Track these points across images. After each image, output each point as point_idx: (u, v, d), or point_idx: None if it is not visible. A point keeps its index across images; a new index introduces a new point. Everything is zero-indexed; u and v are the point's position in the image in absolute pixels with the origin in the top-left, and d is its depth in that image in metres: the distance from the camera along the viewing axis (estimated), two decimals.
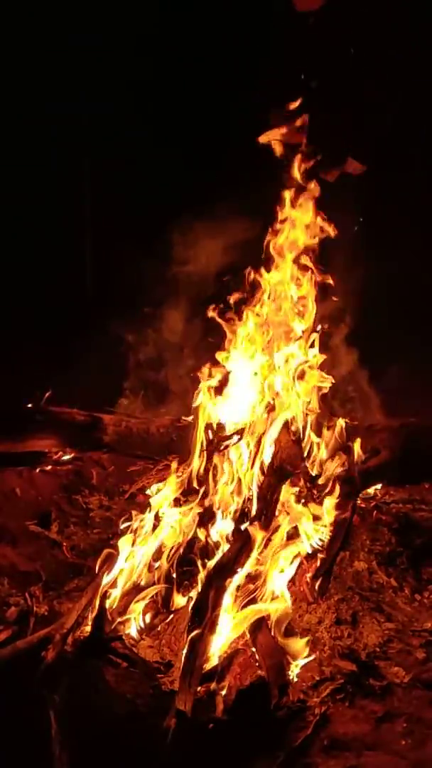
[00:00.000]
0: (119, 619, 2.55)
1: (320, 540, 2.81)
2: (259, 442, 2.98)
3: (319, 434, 3.27)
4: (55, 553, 3.33)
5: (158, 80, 7.00)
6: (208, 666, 2.25)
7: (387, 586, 2.84)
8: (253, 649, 2.38)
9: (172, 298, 5.33)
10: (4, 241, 6.92)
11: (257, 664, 2.33)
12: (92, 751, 2.00)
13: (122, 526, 2.97)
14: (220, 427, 3.16)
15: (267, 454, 2.97)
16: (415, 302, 6.09)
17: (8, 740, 2.04)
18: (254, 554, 2.60)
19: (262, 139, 3.45)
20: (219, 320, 3.41)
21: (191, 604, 2.42)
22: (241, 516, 2.79)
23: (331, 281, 3.41)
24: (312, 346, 3.36)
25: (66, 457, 4.23)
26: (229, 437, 3.13)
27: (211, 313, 3.42)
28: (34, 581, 3.02)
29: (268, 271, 3.45)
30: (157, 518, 2.87)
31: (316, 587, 2.66)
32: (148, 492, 3.50)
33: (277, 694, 2.13)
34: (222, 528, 2.79)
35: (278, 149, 3.43)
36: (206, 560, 2.65)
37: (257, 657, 2.35)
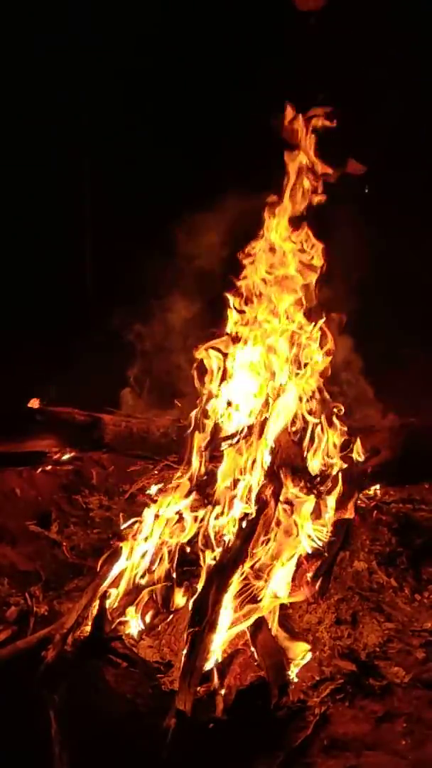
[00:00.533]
0: (119, 619, 2.55)
1: (320, 540, 2.81)
2: (259, 442, 2.99)
3: (319, 434, 3.27)
4: (55, 553, 3.32)
5: (157, 79, 7.00)
6: (208, 666, 2.25)
7: (387, 586, 2.84)
8: (253, 649, 2.38)
9: (173, 294, 5.32)
10: (4, 240, 6.92)
11: (257, 664, 2.34)
12: (92, 751, 2.00)
13: (122, 527, 2.97)
14: (220, 427, 3.16)
15: (267, 454, 2.97)
16: (416, 302, 6.10)
17: (8, 740, 2.04)
18: (254, 554, 2.60)
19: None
20: (230, 297, 3.40)
21: (191, 603, 2.42)
22: (241, 516, 2.79)
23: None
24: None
25: (66, 457, 4.23)
26: (230, 437, 3.14)
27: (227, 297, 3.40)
28: (34, 581, 3.02)
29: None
30: (157, 518, 2.87)
31: (316, 587, 2.66)
32: (148, 492, 3.50)
33: (277, 694, 2.13)
34: (222, 528, 2.79)
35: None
36: (206, 560, 2.65)
37: (257, 657, 2.35)
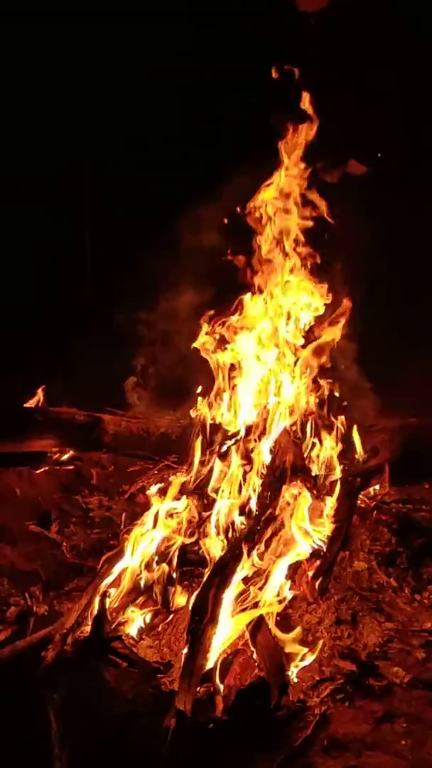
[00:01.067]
0: (119, 619, 2.55)
1: (320, 540, 2.81)
2: (259, 442, 2.99)
3: (319, 434, 3.28)
4: (55, 553, 3.33)
5: (156, 80, 7.00)
6: (208, 666, 2.24)
7: (387, 586, 2.84)
8: (253, 649, 2.38)
9: (175, 286, 5.30)
10: (4, 240, 6.93)
11: (257, 664, 2.33)
12: (92, 751, 2.00)
13: (122, 527, 2.97)
14: (220, 427, 3.16)
15: (267, 454, 2.97)
16: (416, 301, 6.10)
17: (8, 740, 2.04)
18: (255, 554, 2.60)
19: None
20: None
21: (191, 603, 2.42)
22: (242, 516, 2.79)
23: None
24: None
25: (66, 457, 4.23)
26: (230, 437, 3.14)
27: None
28: (34, 581, 3.02)
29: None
30: (157, 518, 2.87)
31: (316, 587, 2.66)
32: (148, 492, 3.50)
33: (277, 694, 2.13)
34: (222, 528, 2.79)
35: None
36: (206, 560, 2.65)
37: (257, 657, 2.35)
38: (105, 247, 7.32)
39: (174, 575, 2.70)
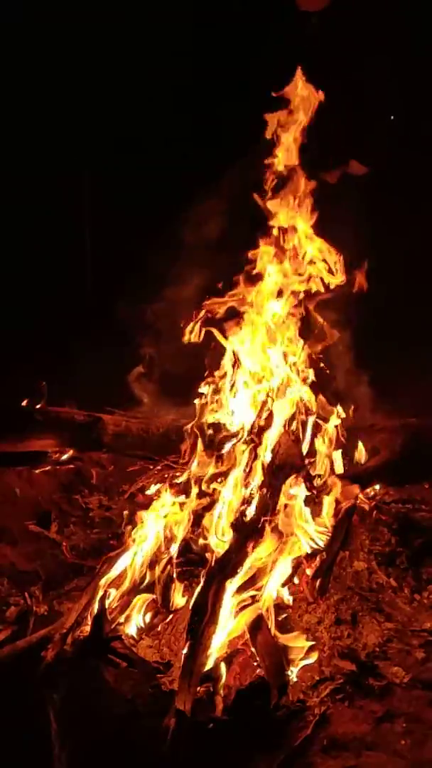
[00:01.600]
0: (119, 619, 2.55)
1: (320, 540, 2.81)
2: (259, 442, 2.99)
3: (319, 434, 3.28)
4: (55, 553, 3.33)
5: (156, 80, 7.00)
6: (208, 666, 2.25)
7: (387, 586, 2.84)
8: (253, 649, 2.38)
9: (174, 289, 5.29)
10: (4, 240, 6.93)
11: (257, 664, 2.34)
12: (92, 751, 2.00)
13: (122, 527, 2.97)
14: (220, 426, 3.16)
15: (267, 454, 2.97)
16: (416, 301, 6.10)
17: (8, 740, 2.04)
18: (254, 554, 2.60)
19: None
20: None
21: (191, 603, 2.42)
22: (242, 515, 2.79)
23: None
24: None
25: (66, 457, 4.23)
26: (230, 437, 3.14)
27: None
28: (34, 581, 3.02)
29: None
30: (157, 518, 2.87)
31: (316, 587, 2.66)
32: (148, 492, 3.50)
33: (277, 694, 2.13)
34: (222, 528, 2.79)
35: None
36: (206, 560, 2.65)
37: (257, 657, 2.35)
38: (105, 246, 7.32)
39: (174, 575, 2.70)
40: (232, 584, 2.48)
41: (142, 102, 7.00)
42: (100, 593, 2.53)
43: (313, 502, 2.94)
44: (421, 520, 3.38)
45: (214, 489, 2.93)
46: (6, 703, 2.16)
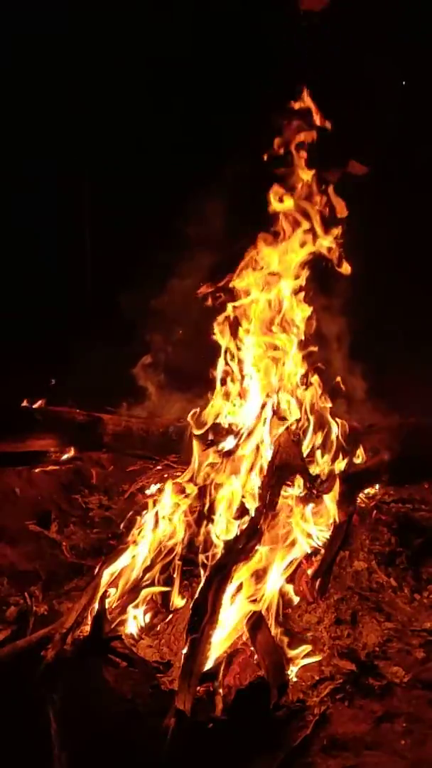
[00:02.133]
0: (119, 619, 2.55)
1: (320, 540, 2.81)
2: (259, 442, 2.99)
3: (319, 433, 3.28)
4: (54, 553, 3.33)
5: (156, 79, 7.00)
6: (207, 666, 2.25)
7: (387, 586, 2.84)
8: (253, 649, 2.38)
9: (174, 288, 5.29)
10: (4, 240, 6.93)
11: (257, 663, 2.34)
12: (92, 751, 2.00)
13: (122, 527, 2.97)
14: (220, 426, 3.16)
15: (267, 454, 2.97)
16: (416, 301, 6.09)
17: (8, 740, 2.04)
18: (254, 554, 2.60)
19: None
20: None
21: (191, 603, 2.42)
22: (241, 515, 2.79)
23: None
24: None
25: (66, 457, 4.22)
26: (230, 437, 3.14)
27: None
28: (33, 581, 3.02)
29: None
30: (156, 518, 2.87)
31: (316, 587, 2.66)
32: (147, 492, 3.50)
33: (277, 694, 2.13)
34: (222, 528, 2.79)
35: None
36: (206, 560, 2.65)
37: (257, 656, 2.35)
38: (105, 246, 7.32)
39: (174, 575, 2.70)
40: (232, 584, 2.48)
41: (142, 102, 7.00)
42: (100, 593, 2.53)
43: (313, 502, 2.94)
44: (421, 520, 3.38)
45: (214, 489, 2.93)
46: (6, 703, 2.16)
